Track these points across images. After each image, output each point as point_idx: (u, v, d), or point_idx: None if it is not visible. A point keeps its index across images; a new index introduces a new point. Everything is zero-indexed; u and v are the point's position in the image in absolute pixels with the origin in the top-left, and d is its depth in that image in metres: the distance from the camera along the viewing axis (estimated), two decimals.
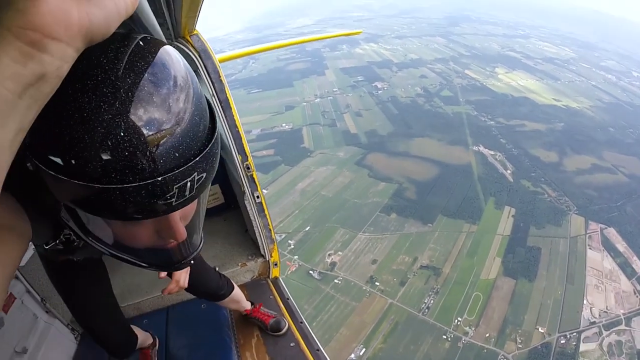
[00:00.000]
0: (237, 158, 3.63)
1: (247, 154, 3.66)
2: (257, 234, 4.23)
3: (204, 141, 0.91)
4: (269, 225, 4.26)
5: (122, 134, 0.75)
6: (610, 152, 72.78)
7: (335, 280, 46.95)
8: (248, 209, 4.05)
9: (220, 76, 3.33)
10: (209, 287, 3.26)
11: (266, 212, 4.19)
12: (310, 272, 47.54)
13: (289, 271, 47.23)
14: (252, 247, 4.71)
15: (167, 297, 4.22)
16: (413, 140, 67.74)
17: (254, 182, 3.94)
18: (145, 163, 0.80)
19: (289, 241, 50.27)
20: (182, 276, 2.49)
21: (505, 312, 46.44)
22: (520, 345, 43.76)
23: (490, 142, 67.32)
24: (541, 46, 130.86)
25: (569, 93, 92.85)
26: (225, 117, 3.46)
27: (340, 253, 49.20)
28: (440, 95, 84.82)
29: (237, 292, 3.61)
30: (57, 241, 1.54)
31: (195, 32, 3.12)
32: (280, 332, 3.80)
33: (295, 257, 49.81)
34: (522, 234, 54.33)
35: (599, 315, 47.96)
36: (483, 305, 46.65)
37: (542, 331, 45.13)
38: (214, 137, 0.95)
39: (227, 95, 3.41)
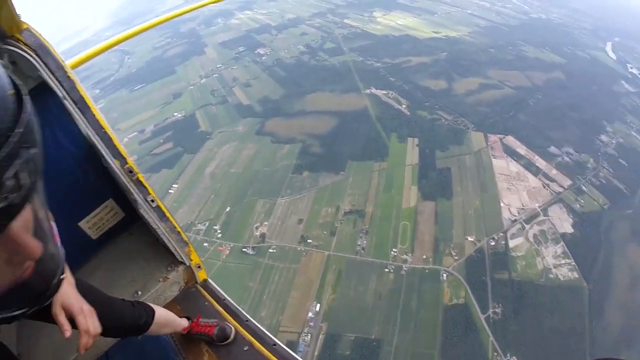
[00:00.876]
0: (115, 163, 3.24)
1: (125, 155, 3.26)
2: (166, 242, 3.90)
3: (14, 109, 0.74)
4: (175, 228, 3.88)
5: None
6: (494, 70, 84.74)
7: (270, 250, 49.73)
8: (146, 217, 3.68)
9: (67, 73, 2.90)
10: (124, 322, 2.75)
11: (167, 214, 3.79)
12: (244, 249, 49.83)
13: (223, 256, 49.14)
14: (169, 256, 4.32)
15: (102, 343, 3.73)
16: (306, 97, 75.55)
17: (143, 185, 3.51)
18: None
19: (214, 227, 52.44)
20: (89, 322, 2.04)
21: (434, 232, 51.50)
22: (456, 257, 48.62)
23: (380, 83, 72.98)
24: None
25: (447, 24, 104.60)
26: (87, 119, 3.04)
27: (266, 223, 53.01)
28: (324, 48, 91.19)
29: (162, 315, 3.20)
30: None
31: (25, 26, 2.70)
32: (229, 340, 3.52)
33: (225, 240, 51.24)
34: (429, 159, 61.32)
35: (518, 213, 54.64)
36: (412, 232, 51.37)
37: (472, 240, 50.67)
38: (24, 100, 0.78)
39: (82, 94, 2.98)
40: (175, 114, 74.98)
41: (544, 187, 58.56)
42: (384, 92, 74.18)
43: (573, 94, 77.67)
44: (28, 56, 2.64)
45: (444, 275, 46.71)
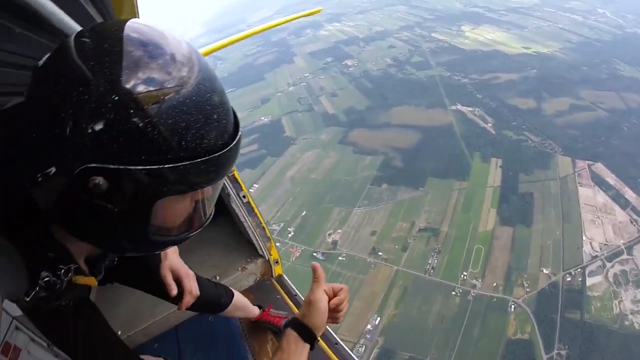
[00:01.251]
0: None
1: None
2: (251, 235, 4.23)
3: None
4: (261, 223, 4.21)
5: (219, 109, 1.04)
6: (587, 90, 79.35)
7: (340, 258, 50.56)
8: (236, 211, 4.00)
9: None
10: (207, 298, 3.10)
11: (256, 210, 4.13)
12: (314, 254, 51.01)
13: (293, 257, 50.51)
14: (250, 249, 4.63)
15: (173, 317, 4.15)
16: (391, 110, 75.11)
17: (237, 182, 3.82)
18: (230, 127, 1.11)
19: (288, 229, 54.25)
20: (193, 285, 2.46)
21: (508, 260, 49.79)
22: (528, 289, 46.63)
23: (467, 99, 71.19)
24: None
25: (537, 39, 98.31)
26: None
27: (339, 231, 53.87)
28: (411, 62, 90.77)
29: (240, 299, 3.56)
30: (37, 288, 1.34)
31: None
32: None
33: (296, 243, 52.60)
34: (512, 182, 59.19)
35: (600, 249, 51.04)
36: (486, 257, 50.17)
37: (547, 272, 48.27)
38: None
39: None
40: (262, 118, 78.98)
41: (632, 222, 53.98)
42: (470, 109, 72.69)
43: None
44: None
45: (512, 306, 45.13)
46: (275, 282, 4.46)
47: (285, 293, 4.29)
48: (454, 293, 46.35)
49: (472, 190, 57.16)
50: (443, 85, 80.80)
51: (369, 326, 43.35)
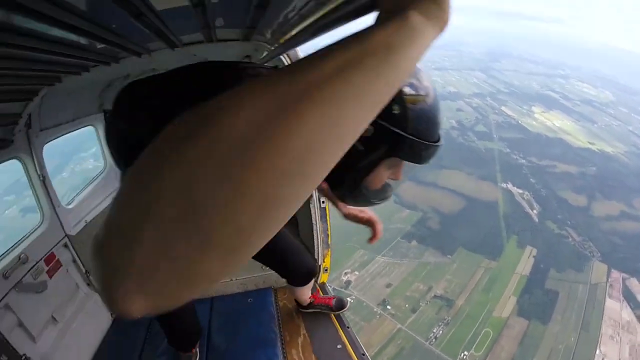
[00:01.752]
0: None
1: None
2: (315, 238, 4.37)
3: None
4: (327, 230, 4.41)
5: (440, 116, 1.50)
6: None
7: (348, 299, 44.11)
8: (312, 212, 4.20)
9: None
10: (307, 264, 3.53)
11: (328, 218, 4.33)
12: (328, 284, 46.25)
13: None
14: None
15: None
16: (442, 171, 75.51)
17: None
18: (440, 132, 1.54)
19: None
20: (372, 215, 2.47)
21: (514, 352, 48.46)
22: None
23: (519, 181, 69.27)
24: (580, 87, 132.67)
25: (604, 137, 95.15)
26: None
27: (356, 273, 54.42)
28: (475, 130, 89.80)
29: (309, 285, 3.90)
30: None
31: None
32: (345, 308, 4.13)
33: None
34: (541, 275, 57.87)
35: None
36: (492, 342, 48.99)
37: None
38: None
39: None
40: None
41: None
42: (520, 190, 72.17)
43: None
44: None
45: None
46: (318, 287, 4.54)
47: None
48: None
49: (498, 272, 56.63)
50: (500, 161, 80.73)
51: None
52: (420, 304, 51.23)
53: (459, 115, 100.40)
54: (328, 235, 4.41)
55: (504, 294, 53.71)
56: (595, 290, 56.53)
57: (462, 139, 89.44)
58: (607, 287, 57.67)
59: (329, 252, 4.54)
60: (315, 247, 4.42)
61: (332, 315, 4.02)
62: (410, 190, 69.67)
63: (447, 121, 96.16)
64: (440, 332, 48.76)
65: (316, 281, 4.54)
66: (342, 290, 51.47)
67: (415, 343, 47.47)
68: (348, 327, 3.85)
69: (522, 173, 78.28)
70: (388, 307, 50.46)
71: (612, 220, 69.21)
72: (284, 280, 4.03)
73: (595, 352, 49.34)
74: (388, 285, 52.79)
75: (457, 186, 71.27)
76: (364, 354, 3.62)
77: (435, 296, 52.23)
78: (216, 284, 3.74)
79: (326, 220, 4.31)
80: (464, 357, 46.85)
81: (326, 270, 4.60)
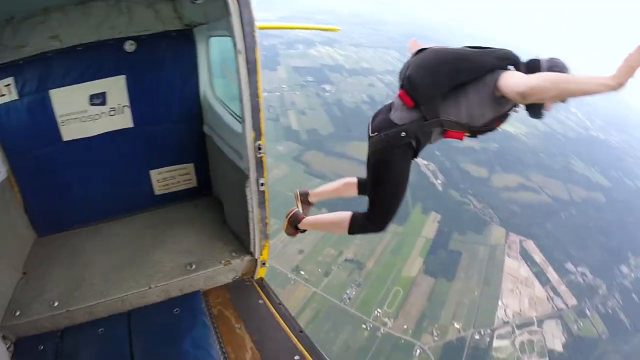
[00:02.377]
0: (250, 135, 3.20)
1: (262, 132, 3.24)
2: (250, 228, 3.81)
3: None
4: (266, 218, 3.87)
5: None
6: (538, 174, 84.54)
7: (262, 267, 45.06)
8: (248, 197, 3.63)
9: (254, 31, 2.96)
10: (385, 218, 3.44)
11: (267, 204, 3.80)
12: None
13: None
14: (235, 242, 4.23)
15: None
16: (351, 142, 77.01)
17: (262, 167, 3.50)
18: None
19: None
20: None
21: (423, 307, 51.58)
22: (436, 338, 48.61)
23: (425, 153, 68.85)
24: None
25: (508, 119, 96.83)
26: (250, 82, 3.04)
27: (269, 241, 47.03)
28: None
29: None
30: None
31: None
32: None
33: None
34: (445, 238, 61.84)
35: (513, 316, 53.81)
36: (402, 300, 51.72)
37: (458, 327, 50.41)
38: None
39: (256, 56, 3.04)
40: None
41: (548, 299, 57.55)
42: (425, 162, 75.89)
43: (607, 218, 76.28)
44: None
45: (418, 351, 46.82)
46: (256, 285, 4.00)
47: (268, 299, 3.77)
48: (364, 326, 47.71)
49: (405, 236, 59.63)
50: None
51: None
52: (332, 267, 52.64)
53: (371, 91, 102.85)
54: (267, 224, 3.93)
55: (411, 255, 56.82)
56: (495, 251, 61.52)
57: (371, 113, 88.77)
58: (506, 248, 62.65)
59: (267, 243, 4.08)
60: (252, 238, 3.92)
61: (280, 319, 3.50)
62: (319, 160, 71.24)
63: (358, 95, 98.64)
64: (353, 293, 50.60)
65: (253, 277, 4.11)
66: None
67: (330, 305, 48.95)
68: (301, 332, 3.37)
69: (428, 146, 79.96)
70: (301, 272, 51.40)
71: (510, 190, 75.53)
72: (214, 279, 3.87)
73: (498, 303, 53.88)
74: (300, 252, 53.59)
75: (365, 157, 71.19)
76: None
77: (346, 260, 53.86)
78: (131, 295, 3.53)
79: (265, 207, 3.81)
80: (377, 314, 48.95)
81: (264, 264, 4.14)
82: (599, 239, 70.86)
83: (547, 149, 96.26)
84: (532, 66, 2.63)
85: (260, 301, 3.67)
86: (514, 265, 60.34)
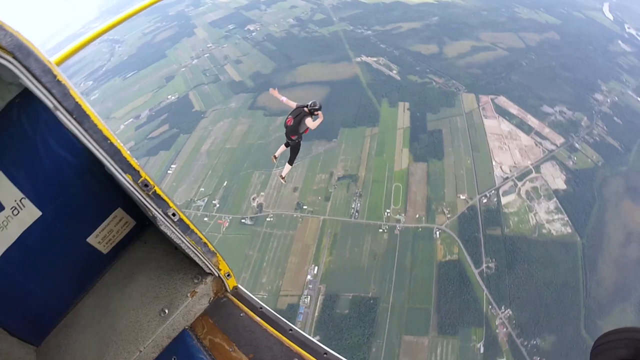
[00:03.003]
0: (127, 178, 2.98)
1: (137, 168, 2.98)
2: (192, 254, 3.64)
3: None
4: (202, 239, 3.59)
5: None
6: (487, 32, 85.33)
7: (268, 219, 52.16)
8: (169, 233, 3.40)
9: (56, 76, 2.52)
10: None
11: (192, 226, 3.50)
12: (242, 220, 52.41)
13: (223, 228, 51.74)
14: (193, 266, 3.99)
15: None
16: (297, 69, 77.90)
17: (161, 198, 3.22)
18: None
19: (213, 202, 55.32)
20: None
21: (427, 192, 53.51)
22: (449, 215, 50.92)
23: (371, 50, 74.39)
24: None
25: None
26: (86, 130, 2.70)
27: (262, 194, 55.20)
28: (314, 20, 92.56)
29: None
30: None
31: None
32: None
33: (223, 214, 54.17)
34: (420, 122, 62.81)
35: (510, 171, 56.67)
36: (405, 193, 53.42)
37: (464, 198, 52.92)
38: None
39: (77, 100, 2.62)
40: (169, 96, 76.95)
41: (536, 145, 60.01)
42: (375, 59, 75.36)
43: (567, 54, 77.96)
44: (4, 61, 2.27)
45: (437, 233, 49.12)
46: (233, 298, 3.87)
47: (249, 308, 3.70)
48: (381, 231, 49.47)
49: (383, 134, 60.22)
50: (347, 40, 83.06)
51: (308, 277, 45.71)
52: (330, 190, 53.56)
53: (295, 12, 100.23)
54: (206, 243, 3.63)
55: (396, 149, 57.75)
56: (471, 117, 62.77)
57: (304, 33, 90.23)
58: (481, 110, 63.72)
59: (219, 257, 3.79)
60: (201, 264, 3.73)
61: (267, 325, 3.43)
62: (273, 99, 66.82)
63: (284, 21, 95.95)
64: (358, 205, 51.99)
65: (226, 291, 3.94)
66: (258, 214, 52.08)
67: (343, 224, 50.38)
68: (290, 330, 3.35)
69: (371, 43, 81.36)
70: (304, 207, 52.31)
71: (465, 56, 75.64)
72: (191, 312, 3.80)
73: (492, 163, 56.13)
74: (295, 190, 54.13)
75: (316, 77, 72.62)
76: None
77: (339, 178, 54.62)
78: None
79: (192, 231, 3.51)
80: (388, 214, 50.73)
81: (229, 275, 3.91)
82: (565, 75, 72.66)
83: (488, 5, 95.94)
84: (313, 107, 8.51)
85: (242, 314, 3.62)
86: (494, 124, 62.16)
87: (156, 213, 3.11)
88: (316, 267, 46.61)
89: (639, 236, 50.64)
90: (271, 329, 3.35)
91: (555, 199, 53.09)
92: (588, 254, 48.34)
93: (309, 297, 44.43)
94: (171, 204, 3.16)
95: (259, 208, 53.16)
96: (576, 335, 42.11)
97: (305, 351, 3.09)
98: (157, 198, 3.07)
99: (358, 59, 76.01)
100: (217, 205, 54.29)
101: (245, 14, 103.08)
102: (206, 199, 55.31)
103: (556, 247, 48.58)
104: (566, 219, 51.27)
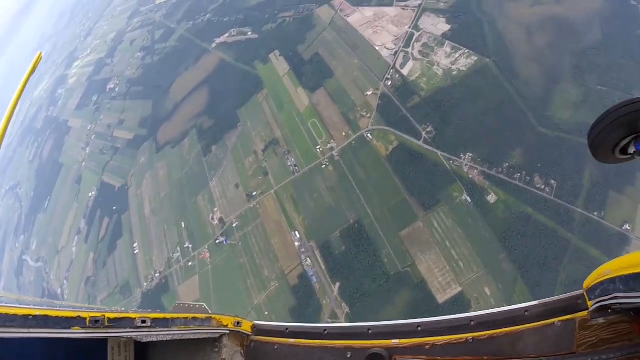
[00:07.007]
0: (75, 331, 2.74)
1: (76, 315, 2.72)
2: (191, 337, 3.57)
3: None
4: (188, 318, 3.53)
5: None
6: None
7: (234, 225, 57.67)
8: (156, 339, 3.27)
9: None
10: None
11: (169, 316, 3.41)
12: (217, 242, 57.68)
13: (208, 260, 57.44)
14: (204, 341, 3.84)
15: None
16: (170, 91, 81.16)
17: (121, 319, 3.03)
18: None
19: (185, 246, 60.65)
20: None
21: (338, 110, 58.10)
22: (368, 115, 55.78)
23: (219, 30, 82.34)
24: None
25: None
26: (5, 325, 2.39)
27: (215, 209, 59.77)
28: (157, 39, 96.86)
29: None
30: None
31: None
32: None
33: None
34: (296, 58, 67.60)
35: (395, 44, 60.65)
36: (322, 123, 58.28)
37: (371, 93, 57.39)
38: None
39: None
40: (89, 195, 79.73)
41: (404, 9, 63.82)
42: (227, 35, 78.86)
43: None
44: None
45: (369, 135, 53.86)
46: (258, 338, 3.90)
47: (278, 337, 3.77)
48: (324, 166, 54.63)
49: (273, 90, 65.08)
50: (195, 35, 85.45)
51: (296, 244, 51.15)
52: (263, 165, 59.26)
53: (137, 45, 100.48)
54: (194, 317, 3.59)
55: (292, 94, 63.38)
56: (335, 24, 67.38)
57: (157, 56, 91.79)
58: (340, 13, 68.37)
59: (217, 317, 3.75)
60: (204, 337, 3.70)
61: (304, 339, 3.58)
62: (170, 129, 74.45)
63: (134, 60, 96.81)
64: (293, 159, 57.29)
65: (249, 336, 3.94)
66: (225, 228, 57.47)
67: (292, 184, 56.06)
68: (325, 331, 3.52)
69: (214, 24, 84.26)
70: (254, 194, 57.73)
71: None
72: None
73: (376, 49, 61.01)
74: (237, 186, 59.84)
75: (190, 86, 76.78)
76: (369, 329, 3.40)
77: (263, 150, 60.16)
78: None
79: (173, 320, 3.40)
80: (320, 150, 56.12)
81: (239, 323, 3.86)
82: None
83: None
84: None
85: (276, 346, 3.69)
86: (357, 17, 66.17)
87: (126, 334, 3.04)
88: (297, 232, 51.79)
89: (536, 24, 55.25)
90: (309, 341, 3.49)
91: (447, 41, 57.32)
92: (503, 66, 52.84)
93: (308, 258, 49.71)
94: (133, 315, 3.06)
95: (221, 222, 58.04)
96: (535, 134, 47.20)
97: (351, 340, 3.28)
98: (116, 322, 2.93)
99: (214, 45, 79.19)
100: (191, 246, 58.94)
101: (98, 78, 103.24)
102: (178, 248, 60.00)
103: (474, 79, 53.04)
104: (466, 50, 55.55)
